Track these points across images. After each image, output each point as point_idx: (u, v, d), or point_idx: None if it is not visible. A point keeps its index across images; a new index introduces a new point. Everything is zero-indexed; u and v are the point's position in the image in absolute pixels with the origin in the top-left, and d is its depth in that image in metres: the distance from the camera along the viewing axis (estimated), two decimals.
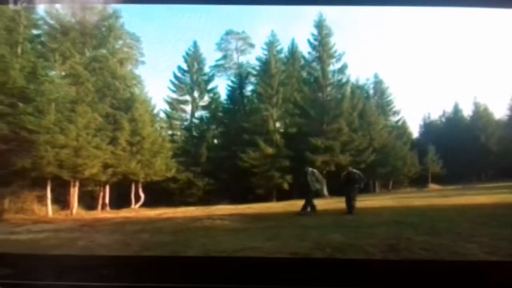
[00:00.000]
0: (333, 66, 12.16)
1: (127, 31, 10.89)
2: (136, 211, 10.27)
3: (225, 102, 12.68)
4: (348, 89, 12.19)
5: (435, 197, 10.97)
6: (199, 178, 11.48)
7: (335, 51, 12.07)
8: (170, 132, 12.21)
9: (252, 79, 12.65)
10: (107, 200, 10.46)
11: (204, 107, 12.50)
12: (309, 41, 12.07)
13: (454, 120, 13.20)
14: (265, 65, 12.27)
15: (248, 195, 11.32)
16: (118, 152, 10.22)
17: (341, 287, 4.08)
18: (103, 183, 10.36)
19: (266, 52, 12.26)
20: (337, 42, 11.95)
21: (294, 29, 11.93)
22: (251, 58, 13.04)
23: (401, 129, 12.99)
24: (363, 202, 9.47)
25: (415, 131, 13.39)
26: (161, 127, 11.99)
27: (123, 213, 9.89)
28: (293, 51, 12.68)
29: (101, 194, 10.45)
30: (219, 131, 12.60)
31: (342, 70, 12.12)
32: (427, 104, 12.70)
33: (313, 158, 11.45)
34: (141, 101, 11.08)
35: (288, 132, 11.98)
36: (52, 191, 9.34)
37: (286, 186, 11.50)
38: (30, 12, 9.75)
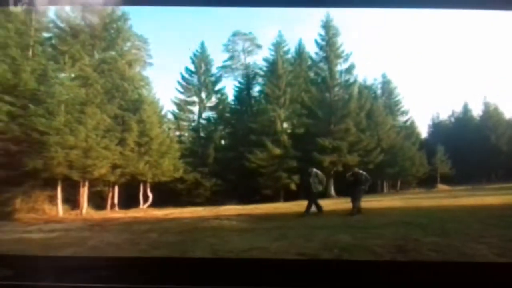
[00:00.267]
0: (341, 66, 12.13)
1: (135, 33, 11.05)
2: (144, 211, 10.37)
3: (232, 103, 12.76)
4: (356, 89, 12.13)
5: (444, 197, 10.85)
6: (207, 178, 11.54)
7: (343, 51, 12.04)
8: (177, 133, 12.30)
9: (260, 79, 12.70)
10: (116, 200, 10.56)
11: (211, 108, 12.57)
12: (316, 41, 12.07)
13: (463, 120, 13.04)
14: (272, 66, 12.28)
15: (255, 196, 11.34)
16: (126, 153, 10.32)
17: None
18: (112, 184, 10.47)
19: (273, 53, 12.29)
20: (344, 42, 11.93)
21: (301, 29, 11.92)
22: (258, 59, 13.10)
23: (410, 129, 12.89)
24: (371, 202, 9.42)
25: (423, 131, 13.29)
26: (169, 128, 12.08)
27: (132, 213, 9.99)
28: (300, 51, 12.68)
29: (110, 194, 10.57)
30: (226, 131, 12.65)
31: (349, 70, 12.08)
32: (436, 104, 12.55)
33: (321, 159, 11.42)
34: (149, 102, 11.18)
35: (296, 133, 11.97)
36: (62, 191, 9.48)
37: (293, 186, 11.50)
38: (41, 15, 9.93)
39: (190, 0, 5.55)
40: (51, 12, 10.05)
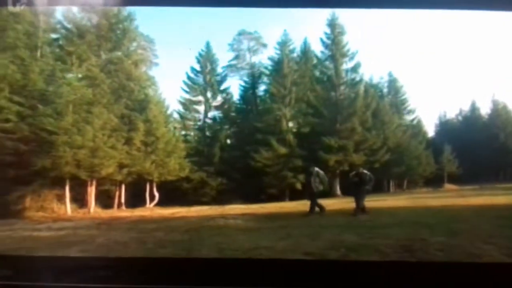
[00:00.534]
0: (346, 65, 12.10)
1: (141, 33, 11.12)
2: (150, 210, 10.45)
3: (238, 102, 12.81)
4: (362, 88, 12.08)
5: (451, 197, 10.74)
6: (212, 177, 11.58)
7: (348, 50, 12.00)
8: (183, 132, 12.38)
9: (265, 79, 12.71)
10: (123, 199, 10.66)
11: (217, 107, 12.62)
12: (321, 40, 12.04)
13: (471, 119, 12.91)
14: (278, 65, 12.27)
15: (260, 195, 11.36)
16: (133, 152, 10.41)
17: None
18: (119, 183, 10.57)
19: (278, 52, 12.28)
20: (350, 41, 11.88)
21: (307, 28, 11.89)
22: (264, 58, 13.08)
23: (416, 128, 12.79)
24: (378, 202, 9.37)
25: (430, 130, 13.19)
26: (175, 128, 12.15)
27: (138, 212, 10.08)
28: (305, 50, 12.65)
29: (117, 193, 10.67)
30: (232, 131, 12.69)
31: (355, 68, 12.04)
32: (443, 103, 12.46)
33: (327, 158, 11.40)
34: (155, 102, 11.26)
35: (301, 132, 11.96)
36: (70, 190, 9.59)
37: (298, 186, 11.48)
38: (48, 16, 10.05)
39: (194, 1, 5.54)
40: (58, 13, 10.18)
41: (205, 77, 12.45)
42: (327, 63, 12.24)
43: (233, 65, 12.78)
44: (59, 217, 9.01)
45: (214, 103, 12.60)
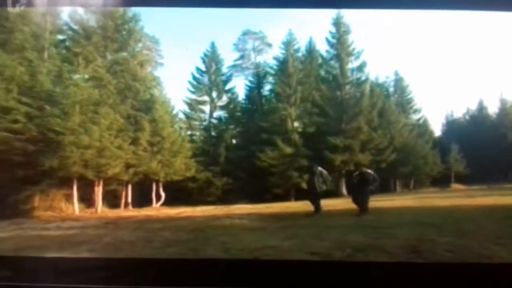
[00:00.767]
0: (352, 64, 12.00)
1: (146, 34, 11.18)
2: (157, 209, 10.50)
3: (243, 102, 12.77)
4: (368, 87, 11.99)
5: (459, 197, 10.64)
6: (218, 177, 11.60)
7: (354, 49, 11.91)
8: (189, 132, 12.39)
9: (270, 78, 12.65)
10: (129, 199, 10.73)
11: (222, 107, 12.61)
12: (327, 39, 11.96)
13: (478, 118, 12.76)
14: (283, 64, 12.23)
15: (266, 195, 11.36)
16: (139, 152, 10.46)
17: None
18: (125, 183, 10.62)
19: (283, 51, 12.20)
20: (355, 40, 11.81)
21: (312, 27, 11.85)
22: (269, 58, 13.10)
23: (423, 128, 12.68)
24: (384, 202, 9.32)
25: (437, 129, 13.05)
26: (181, 128, 12.17)
27: (145, 212, 10.14)
28: (310, 49, 12.59)
29: (124, 193, 10.73)
30: (237, 131, 12.69)
31: (361, 68, 11.95)
32: (450, 102, 12.34)
33: (332, 158, 11.36)
34: (161, 102, 11.29)
35: (307, 131, 11.91)
36: (78, 190, 9.66)
37: (304, 185, 11.44)
38: (55, 18, 10.14)
39: (199, 1, 5.56)
40: (64, 14, 10.28)
41: (210, 77, 12.48)
42: (332, 62, 12.18)
43: (238, 65, 12.80)
44: (67, 217, 9.09)
45: (220, 103, 12.62)
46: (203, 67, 12.35)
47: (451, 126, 13.07)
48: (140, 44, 11.26)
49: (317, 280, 4.18)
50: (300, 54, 12.46)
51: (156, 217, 9.44)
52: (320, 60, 12.47)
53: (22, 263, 4.63)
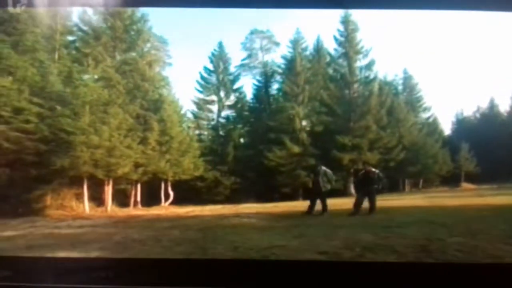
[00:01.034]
0: (360, 62, 11.93)
1: (155, 34, 11.27)
2: (165, 208, 10.61)
3: (251, 101, 12.80)
4: (376, 85, 11.91)
5: (469, 196, 10.52)
6: (226, 176, 11.65)
7: (362, 47, 11.83)
8: (197, 131, 12.49)
9: (278, 77, 12.68)
10: (138, 198, 10.84)
11: (230, 107, 12.67)
12: (335, 37, 11.91)
13: (489, 116, 12.56)
14: (291, 63, 12.22)
15: (274, 194, 11.38)
16: (148, 152, 10.55)
17: None
18: (134, 182, 10.74)
19: (291, 50, 12.21)
20: (363, 38, 11.72)
21: (319, 26, 11.80)
22: (276, 57, 13.05)
23: (432, 126, 12.54)
24: (393, 201, 9.25)
25: (447, 128, 12.89)
26: (189, 127, 12.27)
27: (154, 211, 10.24)
28: (318, 48, 12.56)
29: (133, 192, 10.83)
30: (245, 130, 12.72)
31: (369, 66, 11.87)
32: (460, 100, 12.15)
33: (340, 156, 11.32)
34: (169, 102, 11.38)
35: (315, 130, 11.87)
36: (88, 189, 9.79)
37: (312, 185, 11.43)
38: (65, 19, 10.29)
39: (207, 1, 5.58)
40: (74, 15, 10.43)
41: (218, 77, 12.53)
42: (340, 60, 12.11)
43: (245, 64, 12.84)
44: (78, 215, 9.23)
45: (227, 102, 12.67)
46: (211, 67, 12.45)
47: (461, 124, 12.90)
48: (148, 44, 11.37)
49: (325, 280, 4.18)
50: (308, 52, 12.46)
51: (165, 216, 9.53)
52: (328, 59, 12.42)
53: (22, 263, 4.66)
